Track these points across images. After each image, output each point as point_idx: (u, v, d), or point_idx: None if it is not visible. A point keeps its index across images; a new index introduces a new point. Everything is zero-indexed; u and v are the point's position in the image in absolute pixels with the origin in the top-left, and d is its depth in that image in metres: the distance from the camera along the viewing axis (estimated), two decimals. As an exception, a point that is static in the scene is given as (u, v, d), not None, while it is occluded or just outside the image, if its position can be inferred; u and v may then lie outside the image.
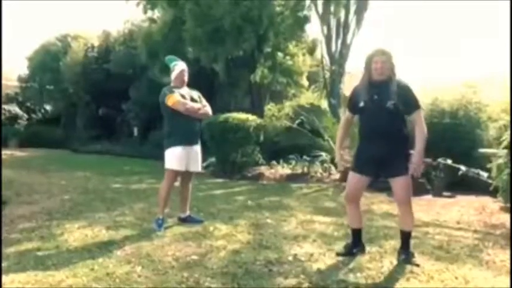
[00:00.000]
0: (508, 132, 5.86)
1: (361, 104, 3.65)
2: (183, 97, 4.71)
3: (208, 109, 4.92)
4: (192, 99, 4.81)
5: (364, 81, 3.64)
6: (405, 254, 3.58)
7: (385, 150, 3.48)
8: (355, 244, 3.78)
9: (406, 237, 3.65)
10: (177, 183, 4.94)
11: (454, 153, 7.85)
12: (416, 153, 3.44)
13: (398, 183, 3.54)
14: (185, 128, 4.72)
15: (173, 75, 4.86)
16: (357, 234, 3.81)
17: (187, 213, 5.01)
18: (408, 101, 3.49)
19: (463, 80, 9.74)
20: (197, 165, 4.91)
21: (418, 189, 7.06)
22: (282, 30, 12.04)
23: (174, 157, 4.67)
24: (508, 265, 3.54)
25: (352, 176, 3.74)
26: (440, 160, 7.54)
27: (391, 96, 3.46)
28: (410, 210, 3.62)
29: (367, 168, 3.64)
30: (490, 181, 6.31)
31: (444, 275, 3.28)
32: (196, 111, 4.75)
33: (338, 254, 3.74)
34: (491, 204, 6.19)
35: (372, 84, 3.58)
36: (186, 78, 4.89)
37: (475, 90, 9.07)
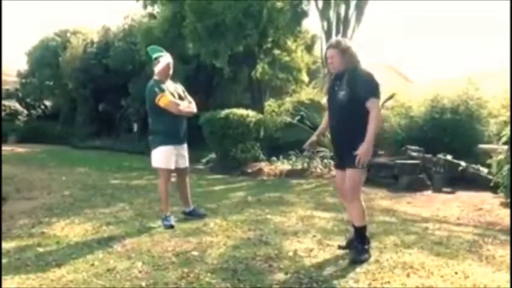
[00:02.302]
0: (508, 128, 5.86)
1: (326, 97, 3.72)
2: (172, 95, 4.62)
3: (193, 106, 4.84)
4: (179, 96, 4.74)
5: (329, 74, 3.69)
6: (355, 250, 3.50)
7: (342, 142, 3.50)
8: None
9: (356, 232, 3.57)
10: (173, 179, 4.94)
11: (454, 148, 7.86)
12: (365, 142, 3.33)
13: (347, 173, 3.48)
14: (175, 127, 4.67)
15: (158, 67, 4.66)
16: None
17: (191, 207, 5.02)
18: (363, 88, 3.38)
19: (461, 75, 9.75)
20: (185, 162, 4.88)
21: (418, 185, 7.09)
22: (280, 26, 11.99)
23: (164, 156, 4.61)
24: (508, 260, 3.55)
25: (335, 172, 3.86)
26: (440, 156, 7.55)
27: (343, 87, 3.44)
28: (355, 204, 3.51)
29: (338, 161, 3.69)
30: (490, 177, 6.31)
31: (444, 270, 3.29)
32: (185, 110, 4.69)
33: (340, 247, 3.76)
34: (491, 200, 6.18)
35: (334, 77, 3.59)
36: (171, 72, 4.76)
37: (477, 86, 9.07)
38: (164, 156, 4.62)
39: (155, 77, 4.70)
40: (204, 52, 11.69)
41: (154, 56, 4.75)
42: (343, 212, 5.28)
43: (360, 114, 3.38)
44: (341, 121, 3.51)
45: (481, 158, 7.23)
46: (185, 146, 4.86)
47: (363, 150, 3.32)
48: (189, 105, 4.78)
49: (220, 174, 9.28)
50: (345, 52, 3.48)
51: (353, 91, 3.38)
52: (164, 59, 4.70)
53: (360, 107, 3.38)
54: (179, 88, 4.85)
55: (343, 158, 3.54)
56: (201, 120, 9.46)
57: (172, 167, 4.68)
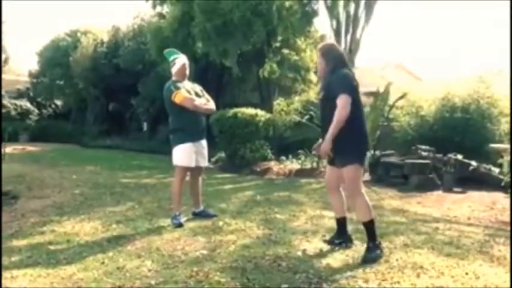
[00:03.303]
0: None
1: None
2: (189, 93, 4.70)
3: (212, 104, 4.92)
4: (196, 94, 4.81)
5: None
6: (368, 247, 3.51)
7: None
8: (338, 235, 3.86)
9: (365, 228, 3.59)
10: (186, 178, 4.96)
11: (465, 148, 7.79)
12: (325, 139, 3.48)
13: (344, 173, 3.55)
14: (193, 124, 4.73)
15: (174, 69, 4.81)
16: (339, 224, 3.87)
17: (201, 207, 5.04)
18: (335, 88, 3.47)
19: (471, 73, 9.67)
20: (205, 160, 4.95)
21: (429, 185, 7.05)
22: (289, 24, 11.95)
23: (185, 153, 4.68)
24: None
25: (327, 167, 3.97)
26: (451, 155, 7.48)
27: (323, 90, 3.64)
28: (359, 199, 3.55)
29: (329, 159, 3.78)
30: (501, 177, 6.25)
31: (454, 270, 3.26)
32: (202, 107, 4.76)
33: (324, 241, 3.90)
34: (503, 200, 6.12)
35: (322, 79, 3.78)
36: (187, 72, 4.89)
37: (488, 85, 8.98)
38: (184, 154, 4.68)
39: (172, 78, 4.82)
40: (213, 51, 11.70)
41: (170, 58, 4.89)
42: (352, 212, 5.26)
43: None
44: (325, 122, 3.59)
45: (492, 157, 7.16)
46: (204, 143, 4.90)
47: (323, 146, 3.52)
48: (206, 103, 4.83)
49: (229, 173, 9.29)
50: (325, 55, 3.64)
51: (328, 93, 3.54)
52: (180, 60, 4.83)
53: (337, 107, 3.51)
54: (197, 87, 4.94)
55: (334, 157, 3.67)
56: (210, 120, 9.49)
57: (193, 164, 4.73)
